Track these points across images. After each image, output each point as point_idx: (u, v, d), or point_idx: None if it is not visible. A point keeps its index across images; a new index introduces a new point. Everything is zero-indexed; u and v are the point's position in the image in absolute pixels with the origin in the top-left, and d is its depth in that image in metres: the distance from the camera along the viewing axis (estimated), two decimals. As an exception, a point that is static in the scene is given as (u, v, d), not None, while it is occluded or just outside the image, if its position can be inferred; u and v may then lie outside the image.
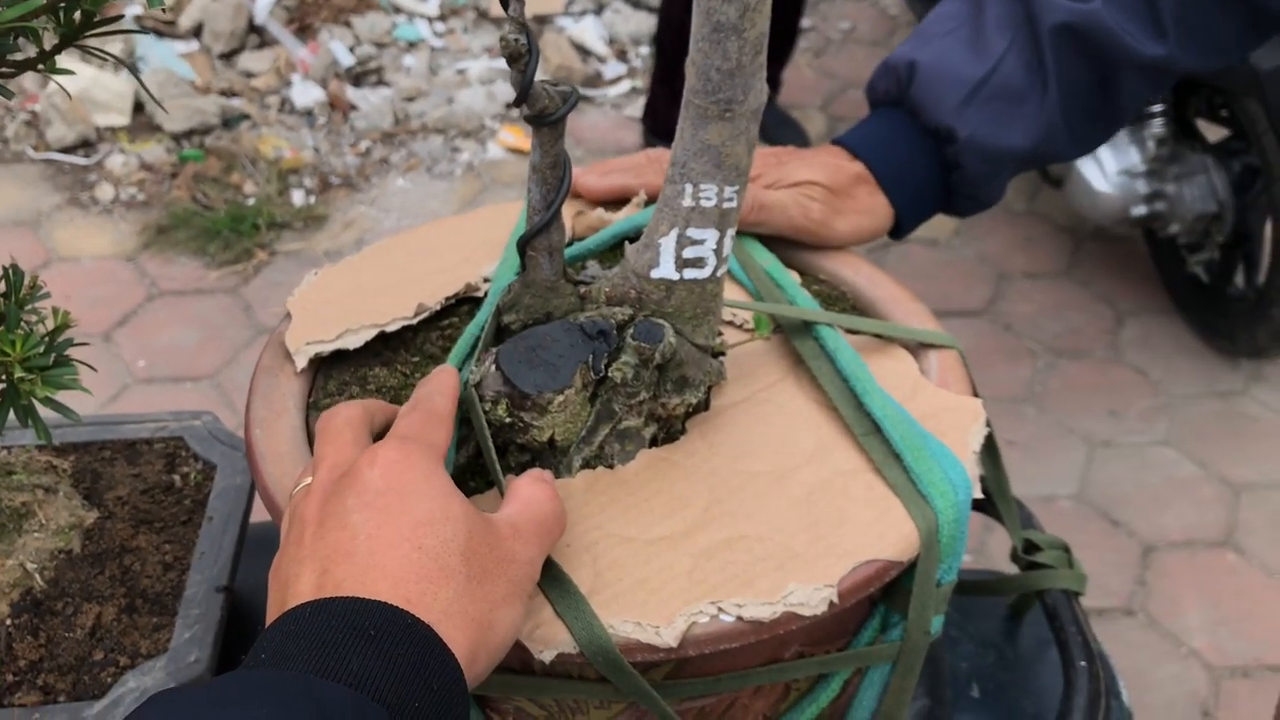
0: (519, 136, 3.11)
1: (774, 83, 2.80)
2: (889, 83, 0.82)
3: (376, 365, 0.71)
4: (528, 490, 0.54)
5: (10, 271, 0.64)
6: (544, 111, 0.60)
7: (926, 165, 0.81)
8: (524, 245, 0.64)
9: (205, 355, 2.48)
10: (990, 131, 0.78)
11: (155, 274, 2.67)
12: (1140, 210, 2.44)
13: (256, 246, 2.72)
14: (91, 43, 0.62)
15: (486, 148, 3.10)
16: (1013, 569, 0.86)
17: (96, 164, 2.94)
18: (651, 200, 0.82)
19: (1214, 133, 2.44)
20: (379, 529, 0.47)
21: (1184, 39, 0.79)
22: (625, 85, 3.36)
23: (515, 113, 3.10)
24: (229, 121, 3.04)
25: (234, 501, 0.77)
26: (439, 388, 0.58)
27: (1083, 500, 2.20)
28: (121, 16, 0.60)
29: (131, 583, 0.71)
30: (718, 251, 0.62)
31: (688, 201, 0.61)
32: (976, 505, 0.78)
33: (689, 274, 0.62)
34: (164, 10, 3.28)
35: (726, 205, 0.61)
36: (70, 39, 0.61)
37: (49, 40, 0.61)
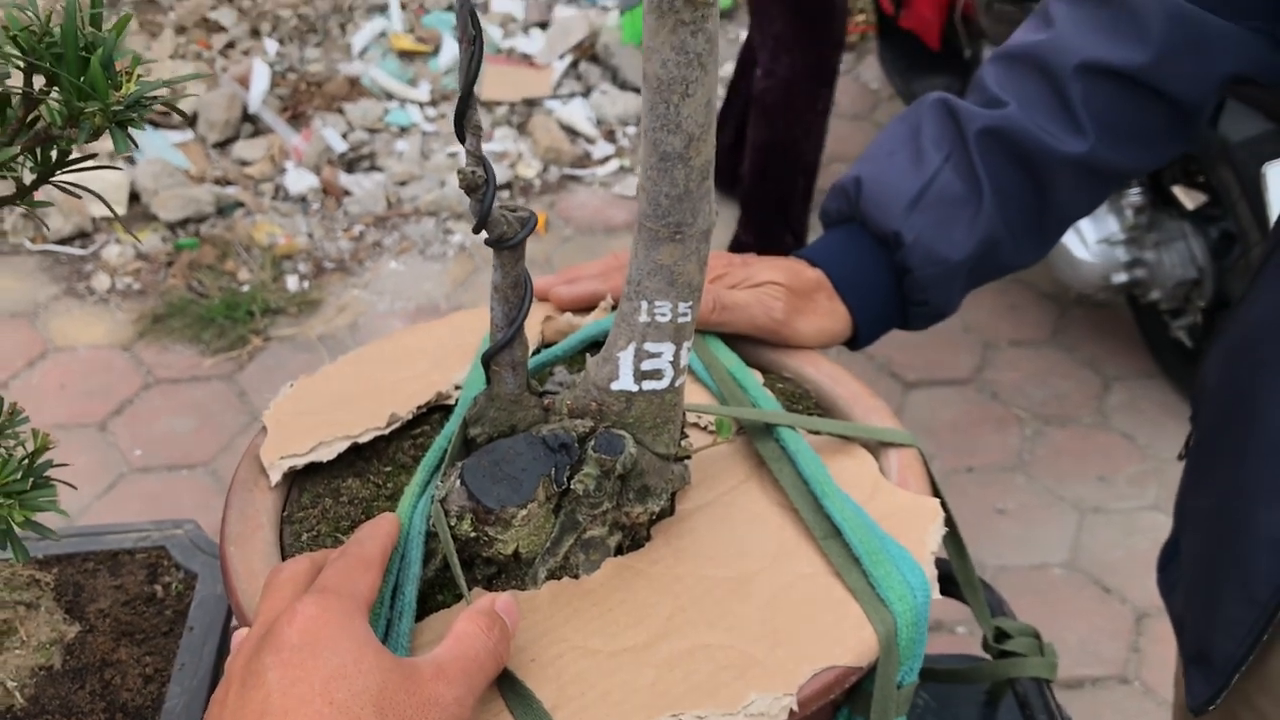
0: (509, 217, 3.15)
1: (799, 235, 2.85)
2: (840, 201, 0.85)
3: (349, 476, 0.73)
4: (461, 626, 0.55)
5: (-11, 398, 0.66)
6: (503, 236, 0.62)
7: (879, 272, 0.83)
8: (488, 361, 0.66)
9: (201, 442, 2.49)
10: (935, 235, 0.81)
11: (151, 362, 2.70)
12: (1121, 277, 2.47)
13: (251, 333, 2.75)
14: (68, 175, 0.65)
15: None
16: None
17: (93, 254, 2.98)
18: (618, 304, 0.84)
19: (1192, 199, 2.48)
20: (292, 685, 0.48)
21: (1104, 135, 0.82)
22: (613, 165, 3.42)
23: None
24: (224, 209, 3.08)
25: (214, 611, 0.78)
26: (372, 534, 0.59)
27: (1074, 568, 2.20)
28: (95, 155, 0.63)
29: (111, 697, 0.72)
30: (675, 363, 0.64)
31: (644, 318, 0.63)
32: (946, 592, 0.79)
33: (648, 385, 0.64)
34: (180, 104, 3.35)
35: (681, 320, 0.63)
36: (46, 176, 0.63)
37: (27, 176, 0.64)
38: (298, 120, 3.39)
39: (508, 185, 3.28)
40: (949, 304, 0.86)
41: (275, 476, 0.72)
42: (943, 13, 3.07)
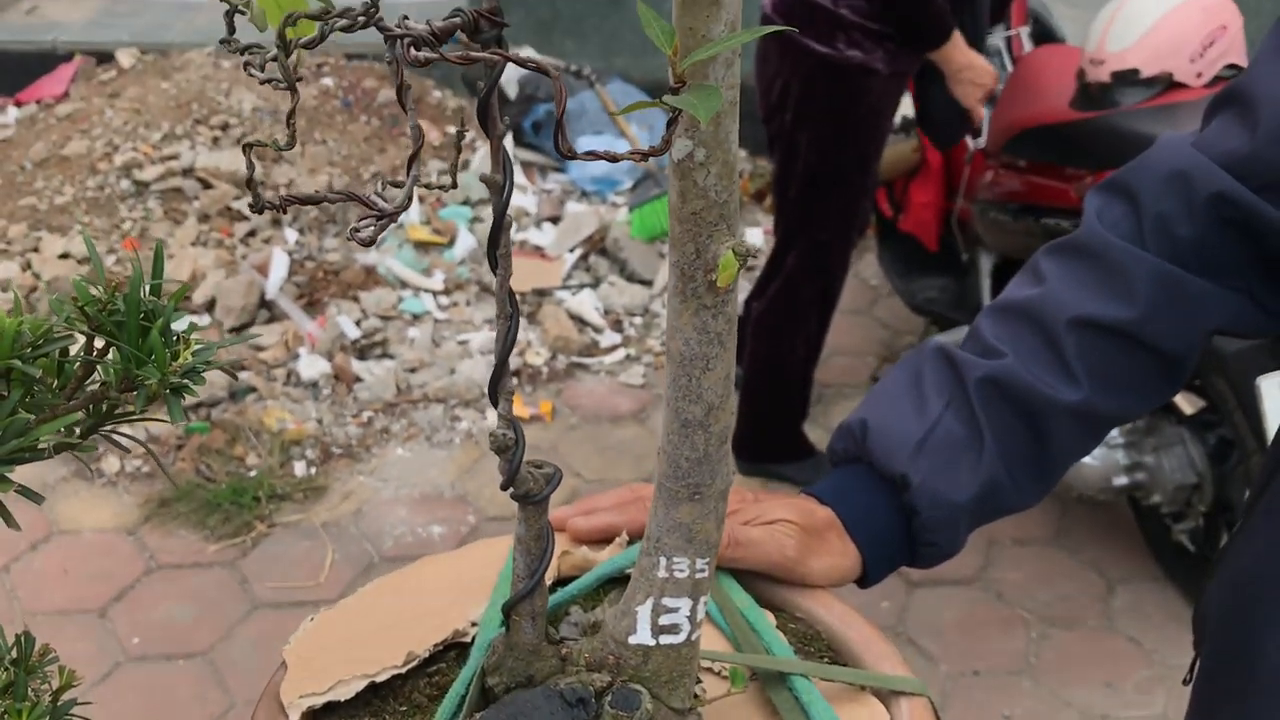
0: (517, 404, 3.20)
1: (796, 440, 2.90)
2: (846, 442, 0.89)
3: (366, 715, 0.74)
4: None
5: (22, 639, 0.67)
6: (529, 493, 0.65)
7: (887, 513, 0.86)
8: (509, 610, 0.68)
9: (200, 631, 2.47)
10: (940, 478, 0.84)
11: (155, 547, 2.70)
12: (1122, 480, 2.50)
13: (256, 519, 2.75)
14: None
15: (486, 415, 3.19)
16: None
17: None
18: (634, 538, 0.87)
19: (1190, 404, 2.52)
20: None
21: (1097, 384, 0.86)
22: (620, 354, 3.49)
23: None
24: (236, 394, 3.13)
25: None
26: None
27: (1086, 781, 2.15)
28: (144, 411, 0.66)
29: None
30: (692, 618, 0.66)
31: (662, 573, 0.66)
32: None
33: (664, 640, 0.66)
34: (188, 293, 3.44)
35: (699, 576, 0.66)
36: (97, 428, 0.67)
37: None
38: (313, 307, 3.47)
39: (516, 373, 3.34)
40: (955, 544, 0.88)
41: (294, 716, 0.72)
42: (940, 217, 3.18)
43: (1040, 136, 2.59)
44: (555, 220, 4.02)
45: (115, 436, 0.68)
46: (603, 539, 0.87)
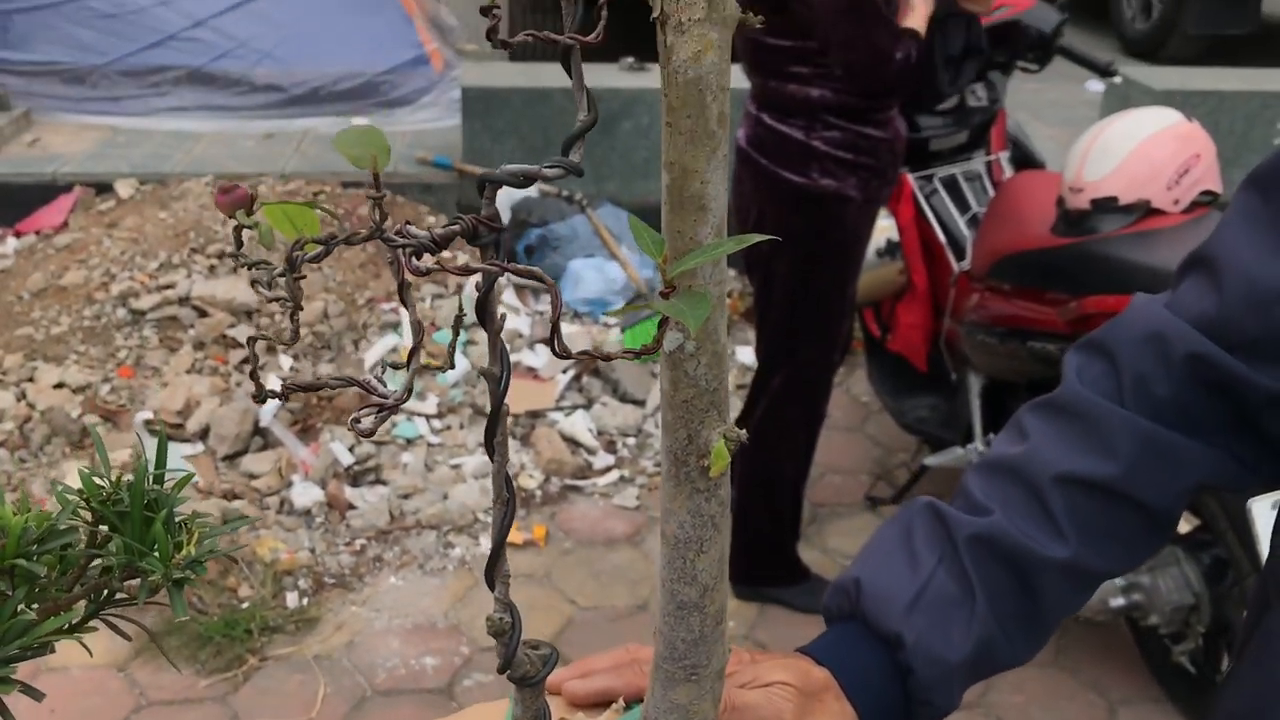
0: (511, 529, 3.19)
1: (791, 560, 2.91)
2: (840, 600, 0.89)
3: None
4: None
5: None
6: (526, 675, 0.66)
7: (882, 673, 0.86)
8: (507, 791, 0.68)
9: (188, 771, 2.43)
10: (934, 636, 0.85)
11: (145, 683, 2.66)
12: (1119, 601, 2.49)
13: (248, 652, 2.72)
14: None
15: (479, 541, 3.18)
16: None
17: (95, 568, 2.99)
18: (631, 702, 0.86)
19: (1184, 522, 2.53)
20: None
21: (1085, 540, 0.87)
22: (614, 475, 3.49)
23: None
24: (228, 523, 3.12)
25: None
26: None
27: None
28: (145, 597, 0.67)
29: None
30: (689, 797, 0.66)
31: (660, 754, 0.66)
32: None
33: (663, 820, 0.66)
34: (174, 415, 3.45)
35: (696, 754, 0.66)
36: (96, 613, 0.67)
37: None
38: (307, 433, 3.48)
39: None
40: (950, 703, 0.88)
41: None
42: (927, 338, 3.22)
43: (1023, 262, 2.65)
44: (548, 342, 4.05)
45: (116, 621, 0.68)
46: (599, 703, 0.87)
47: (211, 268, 3.98)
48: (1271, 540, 0.88)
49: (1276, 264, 0.84)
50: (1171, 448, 0.86)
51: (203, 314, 3.81)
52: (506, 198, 4.54)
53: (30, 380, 3.56)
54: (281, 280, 0.54)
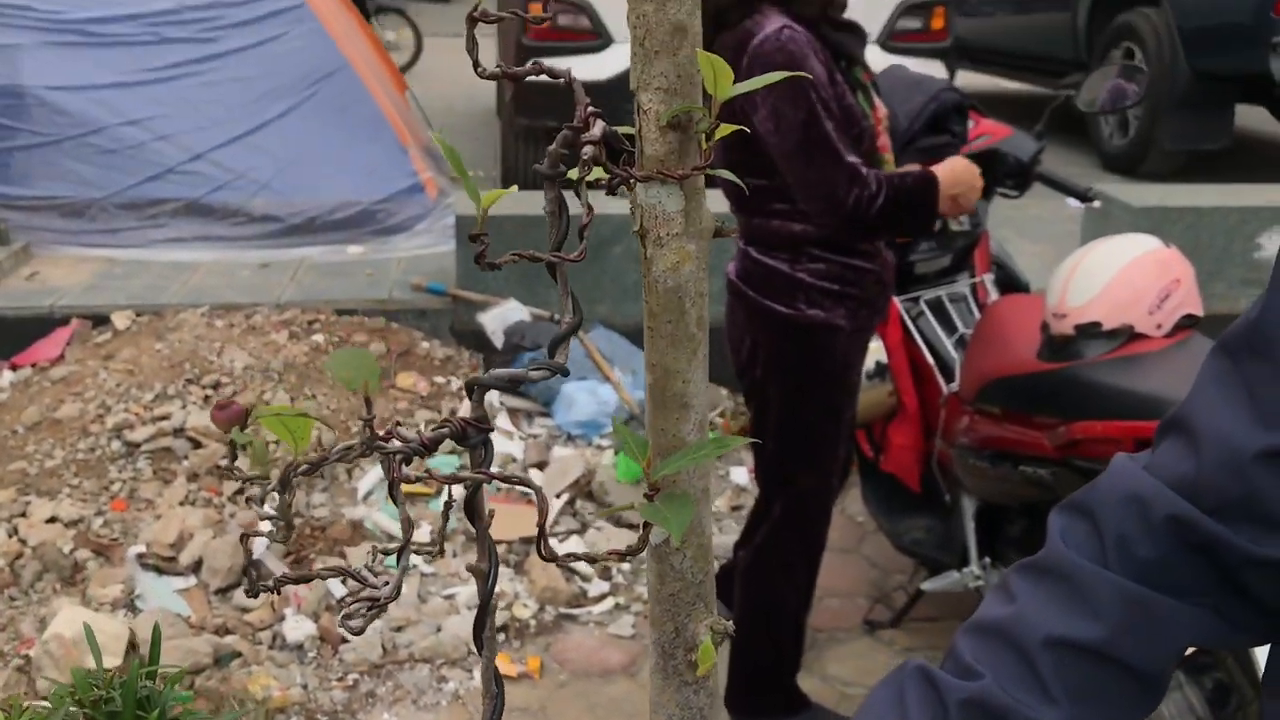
0: (505, 662, 3.16)
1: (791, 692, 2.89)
2: None
3: None
4: None
5: None
6: None
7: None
8: None
9: None
10: None
11: (130, 831, 2.60)
12: (1124, 729, 2.45)
13: (237, 796, 2.66)
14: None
15: (473, 674, 3.14)
16: None
17: (83, 710, 2.94)
18: None
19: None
20: None
21: (1076, 703, 0.87)
22: (609, 603, 3.46)
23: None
24: (221, 659, 3.08)
25: None
26: None
27: None
28: None
29: None
30: None
31: None
32: None
33: None
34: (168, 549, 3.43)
35: None
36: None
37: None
38: (300, 564, 3.46)
39: (504, 628, 3.30)
40: None
41: None
42: (920, 459, 3.24)
43: (1011, 386, 2.68)
44: (542, 466, 4.06)
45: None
46: None
47: (206, 398, 4.00)
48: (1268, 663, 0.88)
49: (1250, 428, 0.86)
50: (1156, 609, 0.87)
51: (197, 445, 3.82)
52: (500, 322, 4.60)
53: (23, 515, 3.55)
54: (275, 497, 0.55)
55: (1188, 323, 2.51)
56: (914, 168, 2.48)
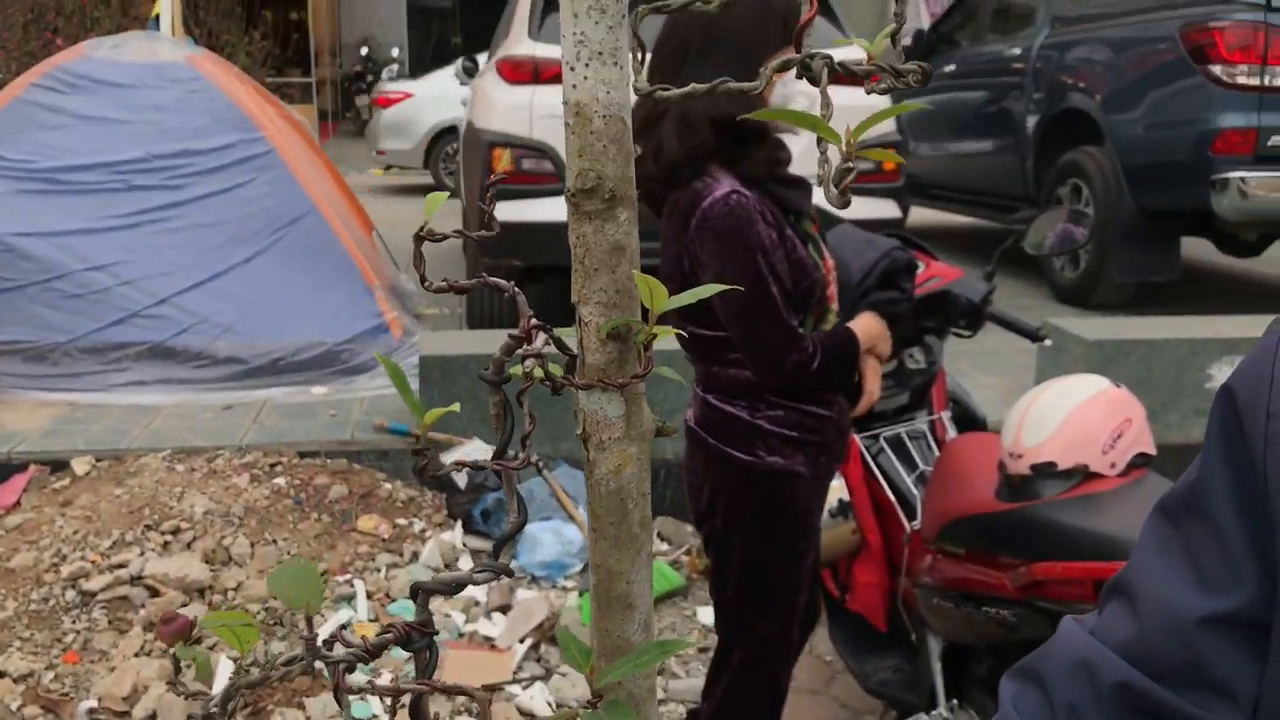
0: (468, 817, 3.07)
1: None
2: None
3: None
4: None
5: None
6: None
7: None
8: None
9: None
10: None
11: None
12: None
13: None
14: None
15: (435, 831, 3.04)
16: None
17: None
18: None
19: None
20: None
21: None
22: (575, 752, 3.38)
23: None
24: (171, 822, 2.97)
25: None
26: None
27: None
28: None
29: None
30: None
31: None
32: None
33: None
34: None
35: None
36: None
37: None
38: (258, 716, 3.37)
39: (467, 780, 3.21)
40: None
41: None
42: (885, 597, 3.23)
43: (970, 526, 2.69)
44: (505, 609, 4.00)
45: None
46: None
47: (165, 544, 3.94)
48: None
49: (1192, 593, 0.88)
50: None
51: (154, 593, 3.75)
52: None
53: (-30, 671, 3.45)
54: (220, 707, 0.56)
55: (1141, 461, 2.55)
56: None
